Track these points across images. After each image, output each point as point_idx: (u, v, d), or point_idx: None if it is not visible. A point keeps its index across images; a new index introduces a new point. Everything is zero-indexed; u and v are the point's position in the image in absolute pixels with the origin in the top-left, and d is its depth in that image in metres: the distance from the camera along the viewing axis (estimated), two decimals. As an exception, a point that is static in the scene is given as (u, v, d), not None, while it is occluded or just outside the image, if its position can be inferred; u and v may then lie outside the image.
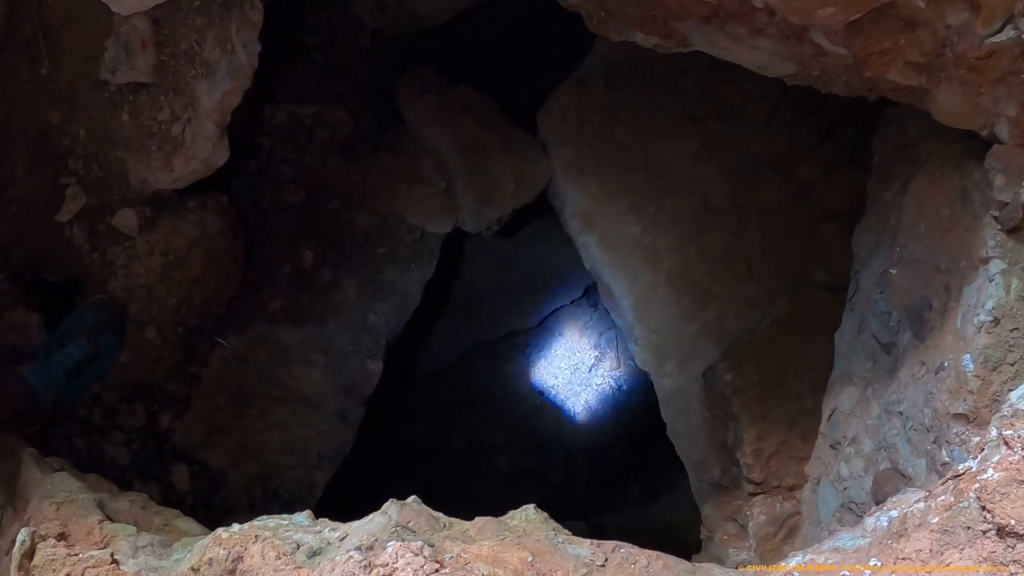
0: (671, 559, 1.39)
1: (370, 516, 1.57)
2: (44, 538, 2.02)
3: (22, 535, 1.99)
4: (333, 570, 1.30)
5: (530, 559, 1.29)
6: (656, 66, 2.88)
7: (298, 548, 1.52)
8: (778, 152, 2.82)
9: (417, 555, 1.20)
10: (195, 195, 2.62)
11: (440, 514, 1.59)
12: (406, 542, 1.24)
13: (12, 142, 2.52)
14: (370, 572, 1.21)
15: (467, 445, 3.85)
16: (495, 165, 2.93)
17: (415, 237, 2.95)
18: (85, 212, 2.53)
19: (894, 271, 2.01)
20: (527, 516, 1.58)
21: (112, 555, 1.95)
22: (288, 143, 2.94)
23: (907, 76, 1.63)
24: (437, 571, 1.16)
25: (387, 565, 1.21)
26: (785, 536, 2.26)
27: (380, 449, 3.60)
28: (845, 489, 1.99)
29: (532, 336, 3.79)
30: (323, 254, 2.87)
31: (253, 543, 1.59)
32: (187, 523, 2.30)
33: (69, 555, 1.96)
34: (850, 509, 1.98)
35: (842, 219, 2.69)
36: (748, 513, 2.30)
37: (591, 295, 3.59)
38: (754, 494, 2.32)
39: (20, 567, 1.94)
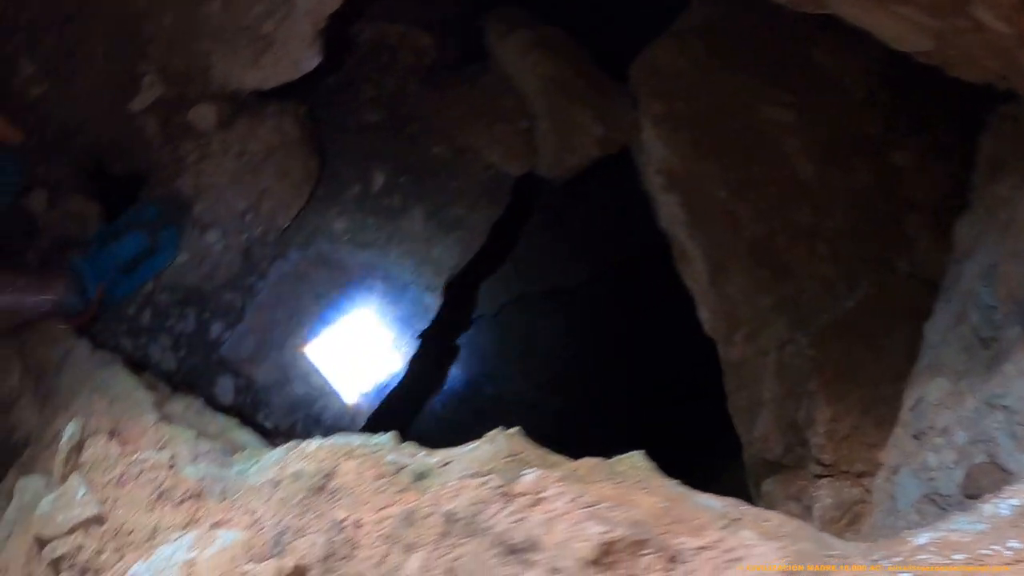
0: (797, 522, 1.32)
1: (474, 443, 1.49)
2: (95, 433, 1.93)
3: (71, 428, 1.90)
4: (457, 496, 1.22)
5: (664, 505, 1.22)
6: (757, 29, 2.78)
7: (399, 470, 1.44)
8: (872, 134, 2.73)
9: (563, 488, 1.12)
10: (274, 101, 2.53)
11: (543, 448, 1.52)
12: (547, 472, 1.17)
13: (93, 24, 2.41)
14: (511, 501, 1.12)
15: (495, 396, 3.79)
16: (582, 110, 2.82)
17: (489, 175, 2.85)
18: (160, 103, 2.45)
19: (1005, 265, 1.93)
20: (633, 463, 1.50)
21: (171, 458, 1.87)
22: (372, 63, 2.84)
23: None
24: (593, 506, 1.08)
25: (529, 494, 1.12)
26: (849, 522, 2.20)
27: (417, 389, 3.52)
28: (931, 480, 1.93)
29: (578, 294, 3.71)
30: (395, 179, 2.78)
31: (346, 460, 1.51)
32: (244, 434, 2.22)
33: (122, 454, 1.88)
34: (933, 500, 1.91)
35: (930, 211, 2.61)
36: (814, 495, 2.24)
37: (644, 259, 3.48)
38: (821, 476, 2.26)
39: (67, 461, 1.86)
